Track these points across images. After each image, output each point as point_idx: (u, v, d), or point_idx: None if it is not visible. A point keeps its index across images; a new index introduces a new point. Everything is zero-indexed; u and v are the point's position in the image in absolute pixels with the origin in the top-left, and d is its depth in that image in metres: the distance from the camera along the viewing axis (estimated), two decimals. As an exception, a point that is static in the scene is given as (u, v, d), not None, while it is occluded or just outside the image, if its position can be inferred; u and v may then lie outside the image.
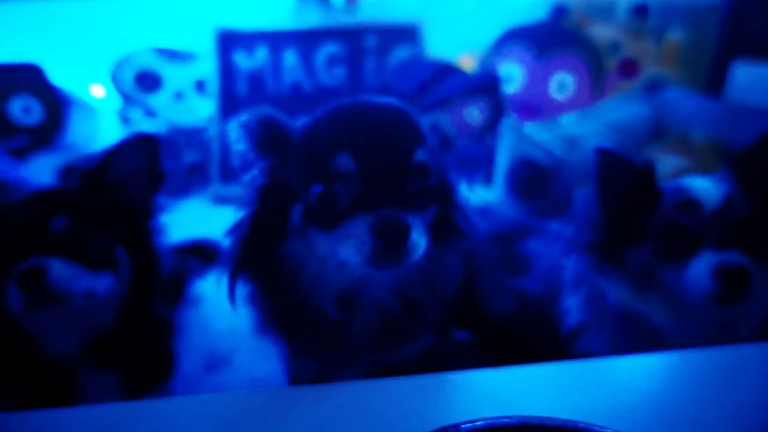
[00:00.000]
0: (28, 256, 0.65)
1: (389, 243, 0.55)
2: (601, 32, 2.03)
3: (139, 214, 0.78)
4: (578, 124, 1.57)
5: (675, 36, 2.06)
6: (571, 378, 0.61)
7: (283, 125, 0.67)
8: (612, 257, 0.81)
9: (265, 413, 0.54)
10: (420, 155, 0.60)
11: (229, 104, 2.08)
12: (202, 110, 2.13)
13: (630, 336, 0.81)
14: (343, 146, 0.59)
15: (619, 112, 1.68)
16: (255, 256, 0.67)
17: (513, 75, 2.05)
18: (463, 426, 0.42)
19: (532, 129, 1.49)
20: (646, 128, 1.66)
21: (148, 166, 0.76)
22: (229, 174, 2.08)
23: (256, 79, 2.10)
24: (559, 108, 1.93)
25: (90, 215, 0.72)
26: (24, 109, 1.78)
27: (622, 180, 0.80)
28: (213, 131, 2.07)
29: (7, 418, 0.57)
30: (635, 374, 0.62)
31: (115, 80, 2.02)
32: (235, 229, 0.69)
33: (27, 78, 1.81)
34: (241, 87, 2.09)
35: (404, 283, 0.66)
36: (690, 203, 0.76)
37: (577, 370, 0.65)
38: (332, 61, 2.09)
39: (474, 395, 0.57)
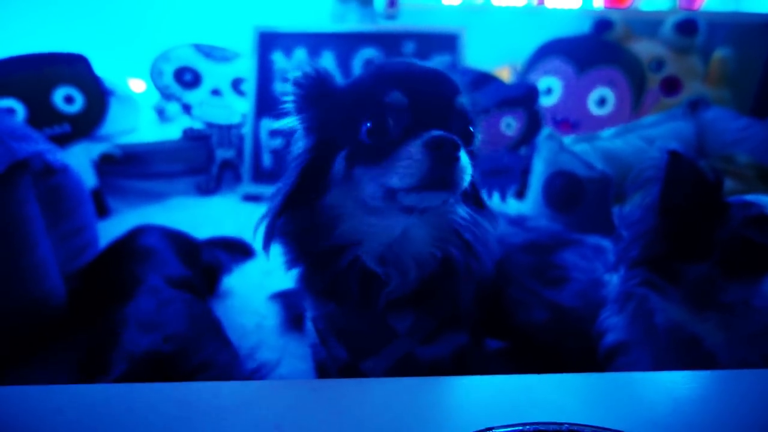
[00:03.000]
0: None
1: (443, 157, 0.56)
2: (645, 48, 1.99)
3: None
4: (618, 138, 1.53)
5: (721, 55, 2.00)
6: (606, 389, 0.58)
7: (330, 78, 0.68)
8: (668, 273, 0.77)
9: (291, 402, 0.53)
10: (461, 100, 0.62)
11: (264, 103, 2.09)
12: (237, 108, 2.15)
13: (678, 358, 0.77)
14: (394, 86, 0.61)
15: (660, 128, 1.64)
16: (296, 207, 0.67)
17: (552, 87, 2.03)
18: (495, 429, 0.40)
19: (571, 141, 1.46)
20: (687, 147, 1.61)
21: None
22: (260, 173, 2.09)
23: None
24: (598, 123, 1.89)
25: None
26: (67, 98, 1.81)
27: (690, 187, 0.76)
28: (247, 129, 2.09)
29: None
30: (676, 389, 0.58)
31: (155, 74, 2.05)
32: (282, 184, 0.68)
33: (71, 68, 1.85)
34: (278, 87, 2.10)
35: (443, 239, 0.67)
36: (762, 218, 0.73)
37: (614, 381, 0.62)
38: (369, 64, 2.09)
39: (504, 400, 0.55)
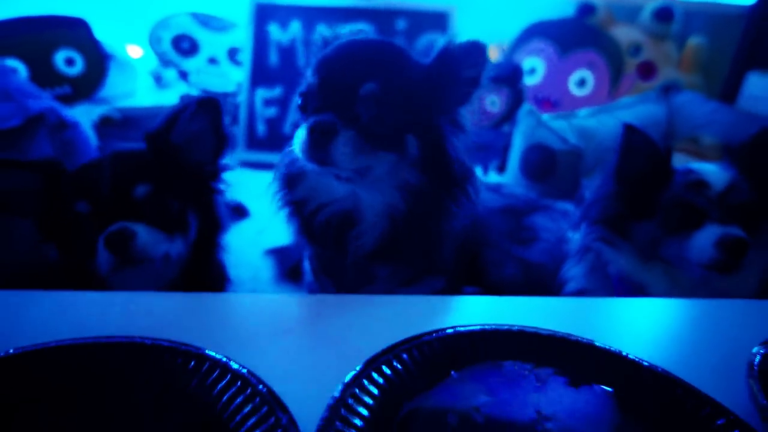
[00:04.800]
0: (116, 220, 0.70)
1: (317, 140, 0.65)
2: (624, 33, 2.09)
3: (205, 176, 0.82)
4: (593, 117, 1.64)
5: (696, 42, 2.12)
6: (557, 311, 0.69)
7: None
8: (620, 230, 0.89)
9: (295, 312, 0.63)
10: (368, 87, 0.67)
11: (259, 73, 2.16)
12: (233, 77, 2.22)
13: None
14: (318, 67, 0.69)
15: (633, 110, 1.75)
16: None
17: (535, 68, 2.12)
18: (458, 328, 0.50)
19: (549, 118, 1.57)
20: (658, 128, 1.73)
21: (210, 129, 0.79)
22: (254, 141, 2.17)
23: (287, 51, 2.18)
24: (578, 103, 2.00)
25: (167, 181, 0.75)
26: (68, 61, 1.86)
27: (642, 156, 0.87)
28: (242, 98, 2.16)
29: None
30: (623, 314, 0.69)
31: (153, 41, 2.11)
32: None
33: (73, 31, 1.90)
34: (273, 57, 2.17)
35: (392, 203, 0.74)
36: (699, 183, 0.84)
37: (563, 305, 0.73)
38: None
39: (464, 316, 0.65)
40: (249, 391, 0.42)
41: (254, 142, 2.18)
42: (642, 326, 0.66)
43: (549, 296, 0.75)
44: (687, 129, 1.76)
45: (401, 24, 2.17)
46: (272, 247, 1.39)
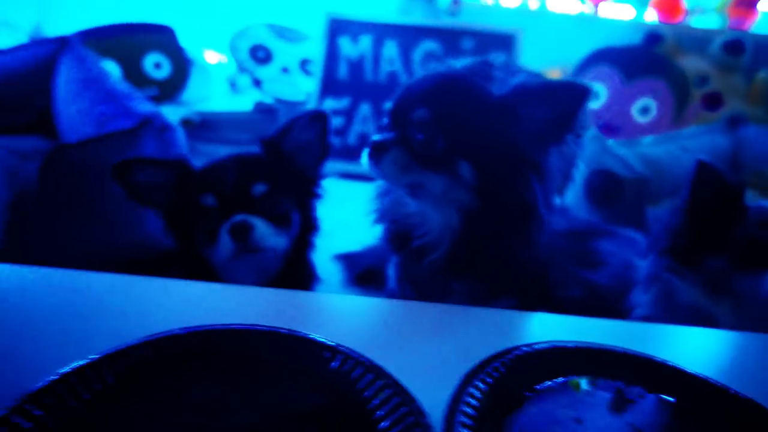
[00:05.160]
0: (237, 213, 0.81)
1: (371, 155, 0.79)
2: (692, 63, 2.10)
3: (308, 181, 0.92)
4: (658, 146, 1.67)
5: (765, 76, 2.11)
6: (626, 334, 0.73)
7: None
8: (690, 262, 0.92)
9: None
10: (420, 113, 0.77)
11: (328, 84, 2.26)
12: (302, 86, 2.32)
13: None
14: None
15: (698, 140, 1.76)
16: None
17: (599, 92, 2.15)
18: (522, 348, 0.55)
19: (614, 144, 1.60)
20: (723, 160, 1.74)
21: (316, 140, 0.89)
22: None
23: (356, 65, 2.28)
24: (640, 130, 2.02)
25: (279, 182, 0.86)
26: (156, 65, 2.00)
27: (715, 193, 0.91)
28: (310, 107, 2.26)
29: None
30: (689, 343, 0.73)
31: (231, 49, 2.24)
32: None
33: (161, 37, 2.04)
34: (342, 70, 2.27)
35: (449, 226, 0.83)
36: None
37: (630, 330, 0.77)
38: (429, 56, 2.25)
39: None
40: (381, 382, 0.49)
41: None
42: (710, 355, 0.70)
43: (617, 319, 0.79)
44: (754, 162, 1.76)
45: (467, 44, 2.23)
46: (341, 253, 1.46)
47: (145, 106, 1.24)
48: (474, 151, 0.77)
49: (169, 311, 0.63)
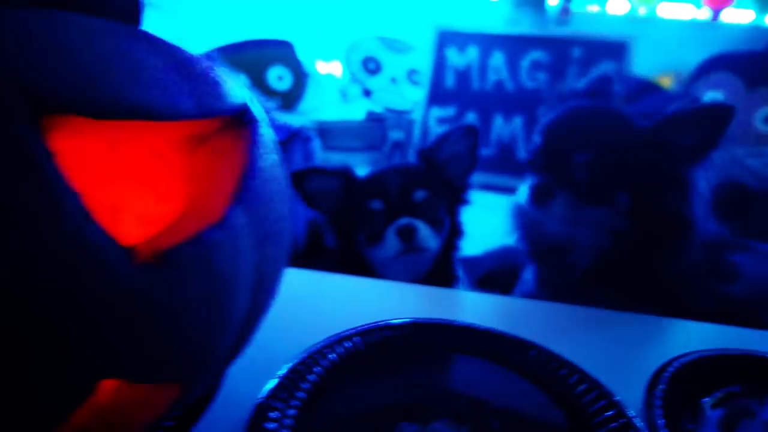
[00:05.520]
0: (401, 216, 0.91)
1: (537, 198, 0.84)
2: (823, 69, 1.99)
3: (458, 189, 1.01)
4: (789, 157, 1.60)
5: None
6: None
7: None
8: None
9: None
10: (583, 156, 0.82)
11: (436, 93, 2.33)
12: (409, 95, 2.41)
13: None
14: None
15: (833, 151, 1.67)
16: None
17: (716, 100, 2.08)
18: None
19: (743, 154, 1.56)
20: None
21: (467, 151, 0.98)
22: (425, 155, 2.35)
23: (462, 74, 2.34)
24: (763, 140, 1.94)
25: (435, 189, 0.95)
26: (278, 77, 2.16)
27: None
28: (417, 115, 2.34)
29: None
30: None
31: (345, 61, 2.36)
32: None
33: (282, 51, 2.20)
34: (449, 79, 2.34)
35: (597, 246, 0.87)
36: None
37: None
38: (536, 65, 2.27)
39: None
40: (576, 377, 0.54)
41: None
42: None
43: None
44: None
45: (576, 52, 2.23)
46: (462, 256, 1.53)
47: (294, 120, 1.37)
48: (630, 181, 0.82)
49: (344, 304, 0.72)
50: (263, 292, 0.38)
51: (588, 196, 0.81)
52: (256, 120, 0.38)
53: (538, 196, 0.82)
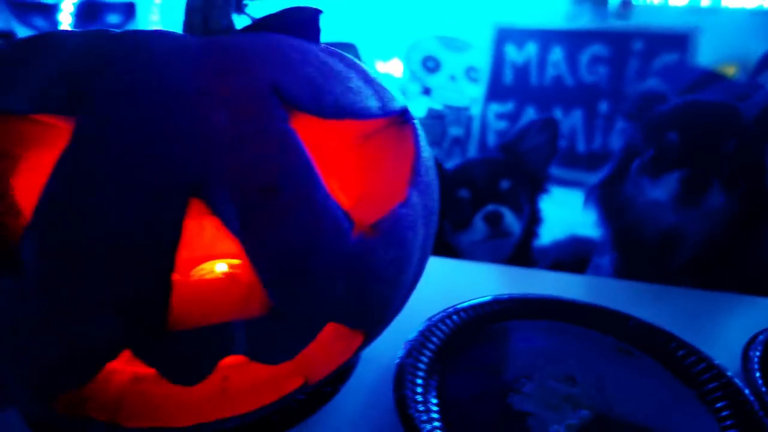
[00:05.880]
0: (489, 203, 0.98)
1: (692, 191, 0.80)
2: None
3: (539, 179, 1.05)
4: None
5: None
6: None
7: None
8: None
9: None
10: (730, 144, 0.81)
11: (494, 89, 2.38)
12: (468, 92, 2.47)
13: None
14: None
15: None
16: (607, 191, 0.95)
17: (785, 90, 2.05)
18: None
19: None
20: None
21: (547, 143, 1.03)
22: (485, 149, 2.40)
23: (521, 70, 2.37)
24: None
25: (519, 178, 1.02)
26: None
27: None
28: (476, 111, 2.40)
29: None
30: None
31: (406, 60, 2.44)
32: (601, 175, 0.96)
33: (350, 52, 2.28)
34: (507, 75, 2.38)
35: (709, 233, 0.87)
36: None
37: None
38: (596, 60, 2.28)
39: None
40: (674, 344, 0.59)
41: (485, 152, 2.40)
42: None
43: None
44: None
45: (638, 45, 2.24)
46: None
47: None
48: (749, 170, 0.86)
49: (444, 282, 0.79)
50: (423, 261, 0.46)
51: (729, 183, 0.84)
52: (414, 118, 0.46)
53: (690, 194, 0.83)
